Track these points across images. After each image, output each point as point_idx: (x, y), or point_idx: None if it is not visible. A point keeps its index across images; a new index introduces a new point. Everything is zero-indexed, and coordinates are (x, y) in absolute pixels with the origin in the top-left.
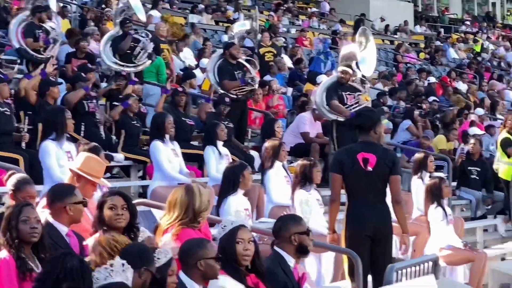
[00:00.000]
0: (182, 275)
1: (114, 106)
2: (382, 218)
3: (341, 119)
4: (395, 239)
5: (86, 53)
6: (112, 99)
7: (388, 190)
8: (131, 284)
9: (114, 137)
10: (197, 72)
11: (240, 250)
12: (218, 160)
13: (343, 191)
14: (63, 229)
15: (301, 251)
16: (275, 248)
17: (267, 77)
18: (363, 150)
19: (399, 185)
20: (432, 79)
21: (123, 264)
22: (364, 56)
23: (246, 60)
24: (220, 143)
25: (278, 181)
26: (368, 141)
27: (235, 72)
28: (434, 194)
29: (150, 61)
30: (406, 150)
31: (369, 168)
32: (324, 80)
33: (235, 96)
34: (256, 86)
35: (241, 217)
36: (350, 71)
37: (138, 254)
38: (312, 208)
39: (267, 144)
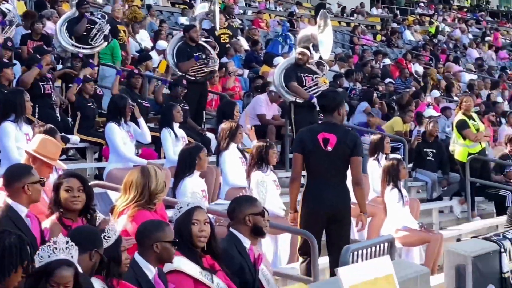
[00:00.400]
0: (137, 257)
1: (69, 87)
2: (341, 198)
3: (299, 100)
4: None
5: (42, 34)
6: (67, 81)
7: (349, 171)
8: (82, 266)
9: (70, 119)
10: (153, 54)
11: (196, 231)
12: (174, 142)
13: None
14: (23, 210)
15: (256, 232)
16: (231, 229)
17: (224, 59)
18: (324, 130)
19: (360, 166)
20: (387, 61)
21: (67, 242)
22: (321, 39)
23: (205, 42)
24: (176, 125)
25: (233, 163)
26: (331, 122)
27: (195, 54)
28: (391, 175)
29: (106, 43)
30: (358, 131)
31: (329, 148)
32: (281, 62)
33: (193, 78)
34: (217, 67)
35: (197, 199)
36: (308, 52)
37: (89, 236)
38: (268, 189)
39: (224, 125)
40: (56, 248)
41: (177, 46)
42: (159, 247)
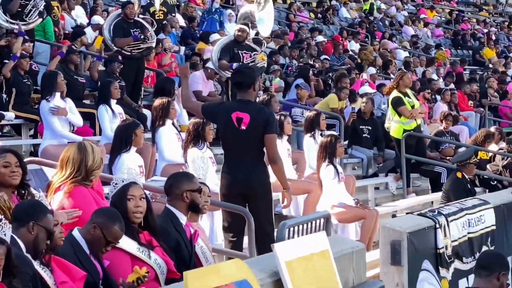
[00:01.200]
0: (76, 233)
1: (4, 64)
2: (256, 176)
3: None
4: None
5: None
6: (2, 57)
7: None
8: (23, 241)
9: (4, 96)
10: (88, 30)
11: (131, 207)
12: (111, 118)
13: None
14: None
15: (193, 209)
16: (167, 205)
17: (160, 35)
18: (238, 109)
19: (274, 143)
20: (320, 38)
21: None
22: (261, 16)
23: (144, 19)
24: (113, 102)
25: (169, 139)
26: (244, 100)
27: (131, 30)
28: (327, 152)
29: (41, 19)
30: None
31: (243, 127)
32: (219, 39)
33: (129, 53)
34: (154, 44)
35: (132, 174)
36: (247, 29)
37: (25, 209)
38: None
39: (156, 103)
40: None
41: (114, 22)
42: (96, 230)
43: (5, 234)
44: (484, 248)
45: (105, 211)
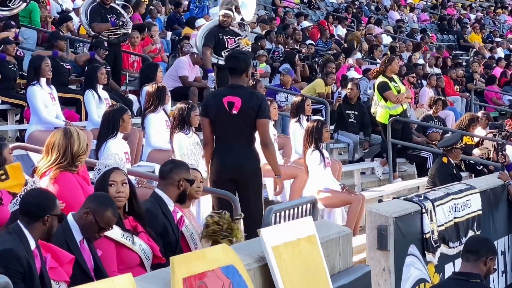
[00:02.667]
0: (70, 218)
1: None
2: (247, 162)
3: (221, 62)
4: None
5: None
6: None
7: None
8: (37, 233)
9: None
10: (72, 14)
11: (113, 192)
12: (98, 104)
13: None
14: None
15: (181, 199)
16: (156, 190)
17: (148, 20)
18: (229, 93)
19: (266, 128)
20: (306, 23)
21: None
22: (244, 1)
23: (123, 6)
24: (100, 87)
25: (158, 125)
26: (236, 85)
27: (108, 16)
28: (313, 137)
29: (25, 4)
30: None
31: (234, 112)
32: (204, 23)
33: (106, 39)
34: (130, 30)
35: (115, 159)
36: (232, 14)
37: (37, 204)
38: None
39: (150, 88)
40: None
41: (91, 7)
42: (88, 215)
43: None
44: (470, 233)
45: (98, 197)
